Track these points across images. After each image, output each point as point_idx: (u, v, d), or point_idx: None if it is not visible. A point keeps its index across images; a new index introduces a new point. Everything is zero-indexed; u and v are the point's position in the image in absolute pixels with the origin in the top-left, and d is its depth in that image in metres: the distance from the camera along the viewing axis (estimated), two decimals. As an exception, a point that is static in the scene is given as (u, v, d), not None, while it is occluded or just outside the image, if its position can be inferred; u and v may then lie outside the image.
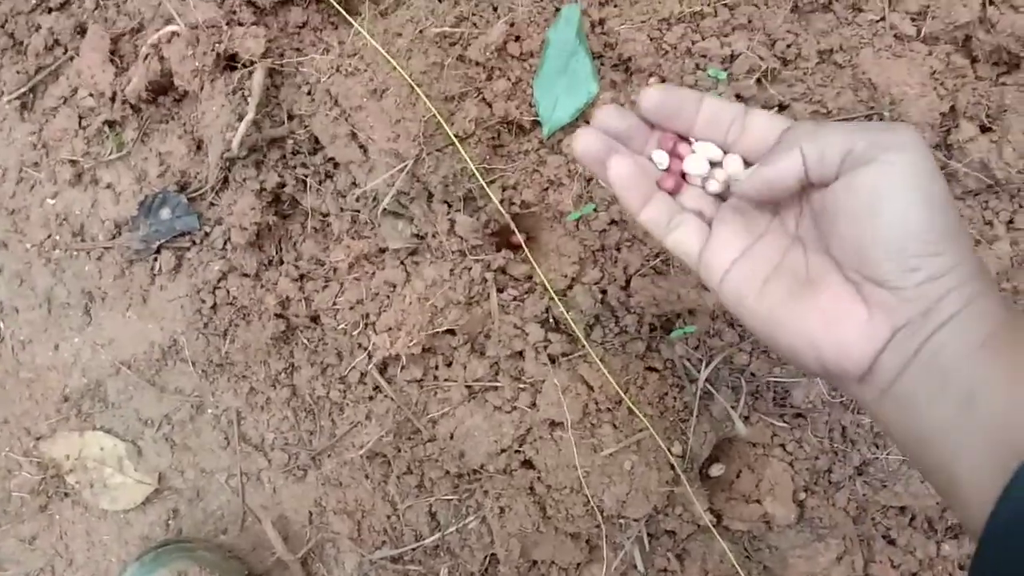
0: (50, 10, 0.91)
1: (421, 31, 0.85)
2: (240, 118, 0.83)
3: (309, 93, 0.85)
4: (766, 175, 0.45)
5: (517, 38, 0.89)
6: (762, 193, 0.46)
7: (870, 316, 0.42)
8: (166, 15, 0.87)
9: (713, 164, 0.52)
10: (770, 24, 0.94)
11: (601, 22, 0.91)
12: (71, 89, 0.91)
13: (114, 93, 0.89)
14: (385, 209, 0.87)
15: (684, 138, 0.52)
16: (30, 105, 0.92)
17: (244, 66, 0.84)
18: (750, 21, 0.94)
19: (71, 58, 0.91)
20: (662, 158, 0.51)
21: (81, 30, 0.91)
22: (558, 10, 0.90)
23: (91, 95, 0.90)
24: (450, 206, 0.87)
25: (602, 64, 0.91)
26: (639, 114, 0.51)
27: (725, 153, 0.51)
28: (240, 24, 0.86)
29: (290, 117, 0.87)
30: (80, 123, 0.91)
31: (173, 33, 0.85)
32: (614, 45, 0.90)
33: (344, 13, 0.83)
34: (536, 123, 0.90)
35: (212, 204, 0.91)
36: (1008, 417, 0.38)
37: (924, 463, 0.43)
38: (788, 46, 0.94)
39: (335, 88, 0.83)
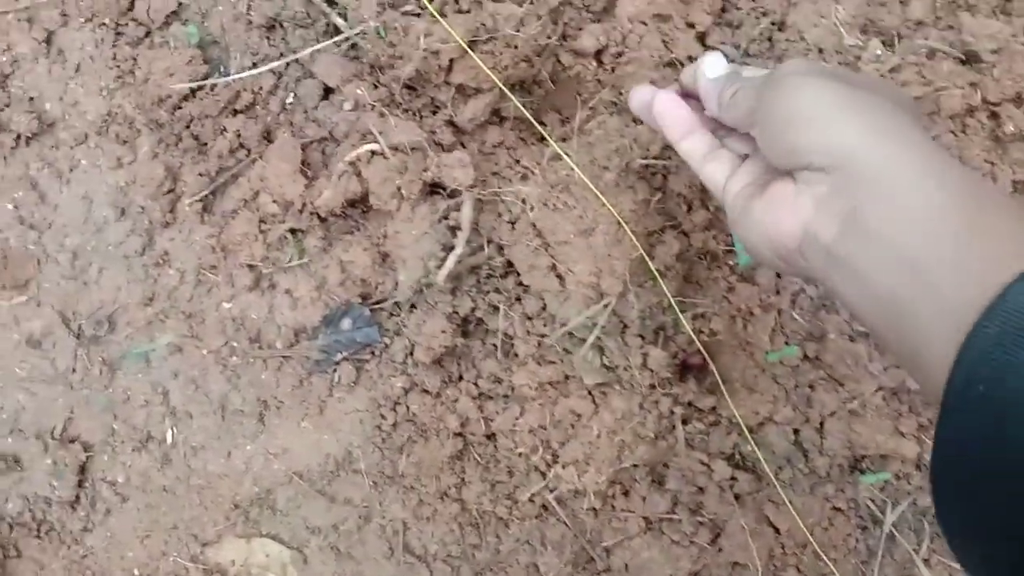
0: (235, 112, 0.89)
1: (627, 164, 0.83)
2: (444, 248, 0.81)
3: (511, 223, 0.83)
4: (699, 76, 0.57)
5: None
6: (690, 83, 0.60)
7: (796, 191, 0.47)
8: (362, 129, 0.85)
9: None
10: (967, 153, 0.91)
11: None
12: (252, 192, 0.89)
13: (303, 204, 0.87)
14: (574, 335, 0.85)
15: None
16: (210, 207, 0.91)
17: (450, 195, 0.82)
18: (948, 149, 0.91)
19: (253, 160, 0.90)
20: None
21: (266, 134, 0.89)
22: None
23: (275, 202, 0.88)
24: (643, 339, 0.85)
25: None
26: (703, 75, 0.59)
27: None
28: (440, 145, 0.84)
29: (488, 241, 0.85)
30: (260, 227, 0.90)
31: (373, 152, 0.83)
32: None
33: (554, 145, 0.81)
34: (728, 251, 0.88)
35: (391, 315, 0.90)
36: (959, 273, 0.38)
37: (880, 334, 0.44)
38: (983, 175, 0.91)
39: (541, 222, 0.81)
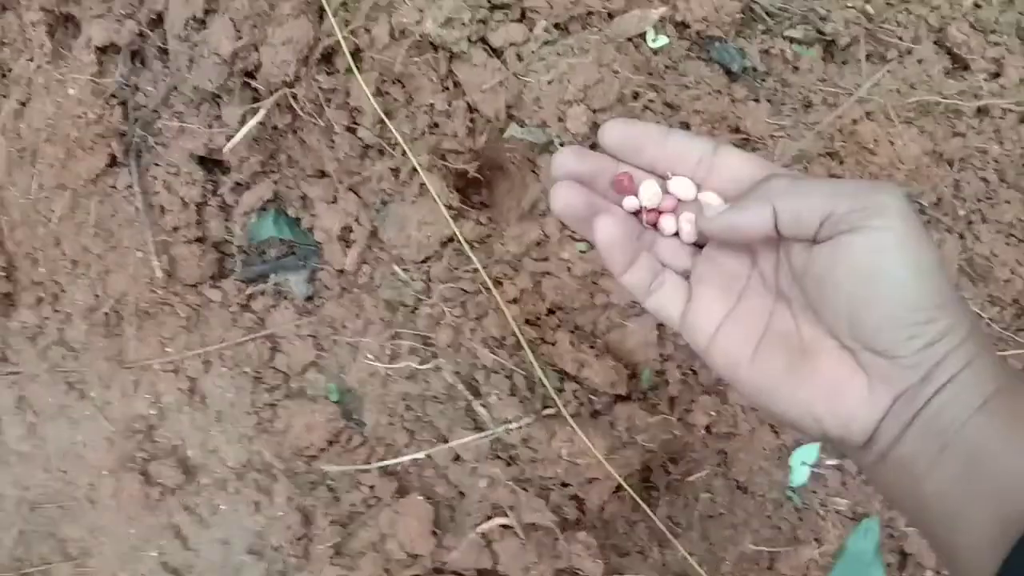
0: (371, 467, 0.95)
1: (741, 551, 0.90)
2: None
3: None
4: (733, 221, 0.44)
5: (818, 542, 0.94)
6: (727, 236, 0.45)
7: (870, 386, 0.41)
8: (493, 500, 0.91)
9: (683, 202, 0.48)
10: None
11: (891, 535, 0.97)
12: (380, 536, 0.95)
13: (432, 559, 0.93)
14: None
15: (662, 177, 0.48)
16: (341, 549, 0.97)
17: (577, 579, 0.89)
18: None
19: (382, 508, 0.96)
20: (632, 203, 0.48)
21: (399, 487, 0.95)
22: (857, 518, 0.95)
23: (403, 550, 0.94)
24: None
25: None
26: (602, 148, 0.48)
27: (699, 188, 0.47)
28: (565, 519, 0.91)
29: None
30: (384, 570, 0.96)
31: (504, 527, 0.90)
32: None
33: (681, 550, 0.88)
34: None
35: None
36: (1007, 485, 0.38)
37: (924, 529, 0.43)
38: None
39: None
